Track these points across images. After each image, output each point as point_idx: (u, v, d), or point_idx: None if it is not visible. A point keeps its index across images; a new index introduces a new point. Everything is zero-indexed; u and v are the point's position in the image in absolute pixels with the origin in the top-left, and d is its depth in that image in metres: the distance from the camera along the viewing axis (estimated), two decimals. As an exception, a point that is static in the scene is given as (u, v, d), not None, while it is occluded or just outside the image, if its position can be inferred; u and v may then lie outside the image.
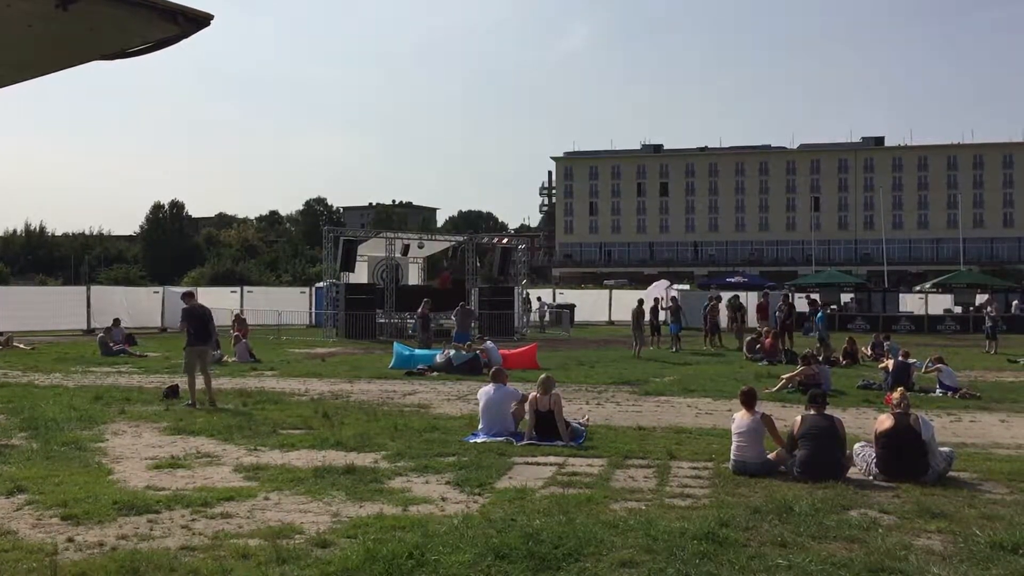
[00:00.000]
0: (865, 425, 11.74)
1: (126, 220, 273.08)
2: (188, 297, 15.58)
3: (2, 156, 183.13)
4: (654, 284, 45.93)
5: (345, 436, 11.10)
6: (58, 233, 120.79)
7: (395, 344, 22.69)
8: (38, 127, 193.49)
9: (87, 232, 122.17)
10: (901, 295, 48.50)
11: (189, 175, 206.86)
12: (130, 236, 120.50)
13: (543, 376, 11.58)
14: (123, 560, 6.00)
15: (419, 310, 27.16)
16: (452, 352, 20.45)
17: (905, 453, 8.84)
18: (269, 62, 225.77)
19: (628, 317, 28.13)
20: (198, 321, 14.82)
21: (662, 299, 33.71)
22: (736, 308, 31.16)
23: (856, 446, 9.44)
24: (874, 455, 9.05)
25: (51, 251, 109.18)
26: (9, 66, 2.95)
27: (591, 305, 46.57)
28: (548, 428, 10.85)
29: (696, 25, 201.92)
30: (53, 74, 3.10)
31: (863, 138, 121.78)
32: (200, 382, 14.44)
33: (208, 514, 7.37)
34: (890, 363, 17.64)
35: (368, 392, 16.26)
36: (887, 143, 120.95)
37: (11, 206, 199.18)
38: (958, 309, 44.65)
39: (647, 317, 27.44)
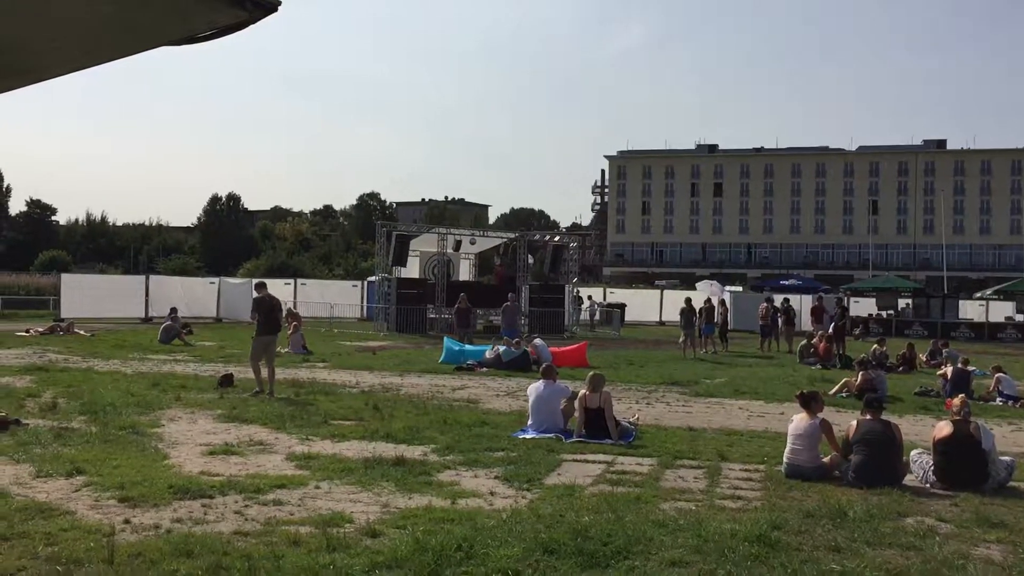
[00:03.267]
0: (922, 432, 11.49)
1: (184, 211, 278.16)
2: (260, 287, 15.86)
3: (65, 146, 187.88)
4: (703, 284, 45.24)
5: (395, 428, 11.17)
6: (119, 223, 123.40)
7: (445, 339, 22.78)
8: (99, 118, 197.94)
9: (146, 223, 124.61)
10: (961, 301, 47.47)
11: (245, 168, 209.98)
12: (187, 227, 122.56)
13: (592, 373, 11.54)
14: (178, 543, 6.10)
15: (456, 305, 27.23)
16: (502, 348, 20.46)
17: (964, 461, 8.63)
18: (326, 58, 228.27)
19: (678, 318, 27.85)
20: (266, 311, 15.10)
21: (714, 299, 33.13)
22: (787, 311, 30.74)
23: (913, 453, 9.24)
24: (931, 462, 8.85)
25: (111, 240, 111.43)
26: (78, 51, 3.00)
27: (641, 305, 46.32)
28: (597, 426, 10.81)
29: (753, 24, 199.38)
30: (115, 65, 3.15)
31: (924, 141, 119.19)
32: (264, 371, 14.69)
33: (260, 500, 7.47)
34: (949, 370, 17.26)
35: (418, 386, 16.35)
36: (949, 146, 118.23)
37: (74, 196, 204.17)
38: (1020, 317, 43.58)
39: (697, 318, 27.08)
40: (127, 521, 6.74)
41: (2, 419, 10.66)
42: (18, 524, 6.54)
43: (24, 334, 26.54)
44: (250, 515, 7.02)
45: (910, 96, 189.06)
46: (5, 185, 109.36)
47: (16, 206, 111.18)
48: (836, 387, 16.54)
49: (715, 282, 45.96)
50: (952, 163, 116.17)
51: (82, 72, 3.20)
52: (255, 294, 15.67)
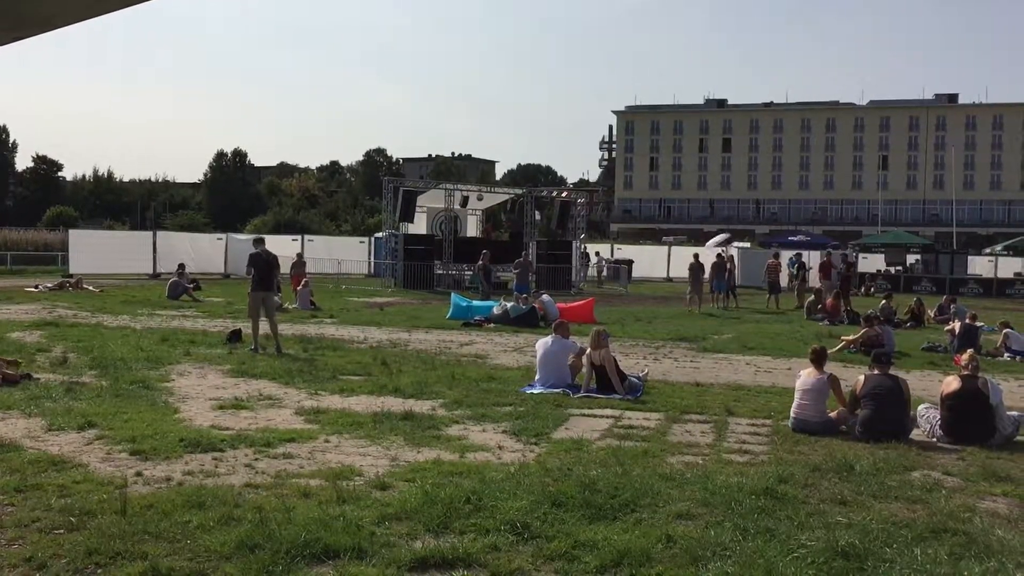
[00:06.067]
0: (929, 387, 11.51)
1: (190, 167, 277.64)
2: (257, 243, 15.82)
3: (72, 102, 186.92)
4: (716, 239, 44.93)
5: (403, 383, 11.22)
6: (125, 179, 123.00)
7: (452, 295, 22.80)
8: (104, 73, 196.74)
9: (153, 179, 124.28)
10: (970, 257, 47.26)
11: (251, 124, 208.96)
12: (194, 183, 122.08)
13: (595, 330, 11.58)
14: (189, 495, 6.17)
15: (479, 262, 27.24)
16: (509, 304, 20.47)
17: (971, 416, 8.65)
18: (332, 10, 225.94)
19: (686, 273, 27.82)
20: (263, 267, 15.04)
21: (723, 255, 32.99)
22: (802, 267, 30.66)
23: (920, 408, 9.27)
24: (939, 417, 8.88)
25: (118, 196, 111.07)
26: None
27: (649, 261, 46.26)
28: (605, 381, 10.85)
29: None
30: (119, 16, 3.11)
31: (936, 95, 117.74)
32: (265, 327, 14.70)
33: (270, 454, 7.53)
34: (957, 326, 17.22)
35: (425, 341, 16.39)
36: (961, 100, 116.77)
37: (80, 152, 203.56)
38: (1030, 273, 43.36)
39: (706, 273, 27.07)
40: (139, 474, 6.80)
41: (13, 374, 10.73)
42: (31, 476, 6.61)
43: (33, 290, 26.66)
44: (260, 468, 7.08)
45: (922, 50, 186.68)
46: (11, 141, 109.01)
47: (23, 162, 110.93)
48: (841, 343, 16.47)
49: (725, 235, 45.63)
50: (964, 117, 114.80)
51: (86, 24, 3.16)
52: (253, 249, 15.60)
